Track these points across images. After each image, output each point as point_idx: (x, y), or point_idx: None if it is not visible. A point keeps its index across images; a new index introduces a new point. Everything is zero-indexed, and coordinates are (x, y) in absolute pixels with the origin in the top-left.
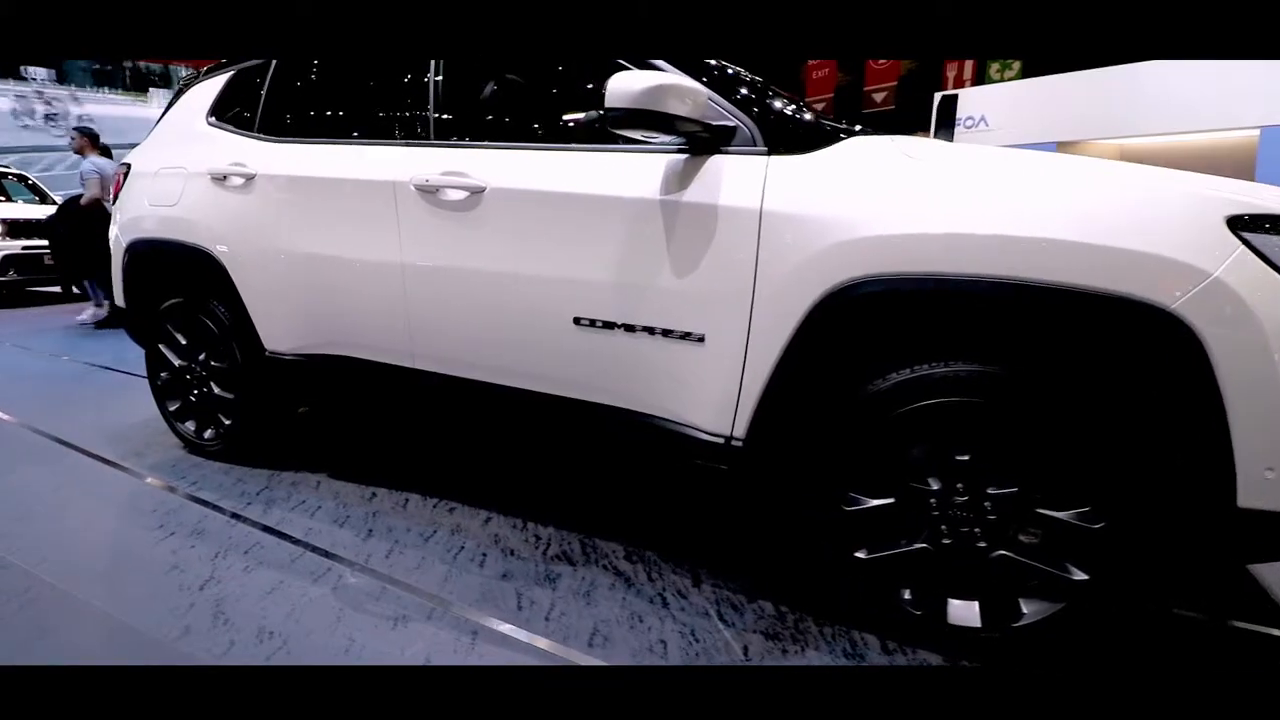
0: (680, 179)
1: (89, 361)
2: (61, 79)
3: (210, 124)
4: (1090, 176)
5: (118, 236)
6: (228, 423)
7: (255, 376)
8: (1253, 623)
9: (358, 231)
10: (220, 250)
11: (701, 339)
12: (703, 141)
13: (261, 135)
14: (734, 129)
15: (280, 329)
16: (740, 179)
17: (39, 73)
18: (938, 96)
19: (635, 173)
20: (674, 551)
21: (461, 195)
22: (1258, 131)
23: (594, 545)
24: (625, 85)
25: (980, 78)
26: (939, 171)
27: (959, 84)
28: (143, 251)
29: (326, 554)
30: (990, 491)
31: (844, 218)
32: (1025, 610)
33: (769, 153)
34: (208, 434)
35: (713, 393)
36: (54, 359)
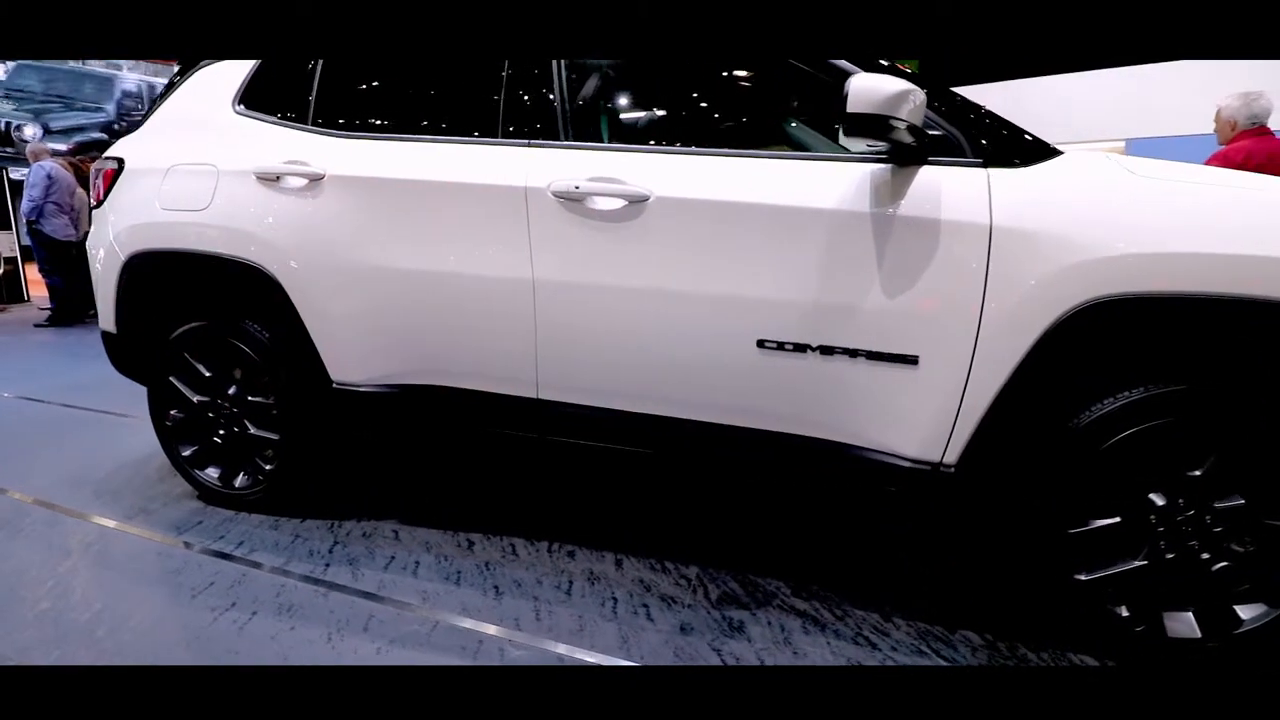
0: (891, 190)
1: (21, 395)
2: None
3: (240, 113)
4: None
5: (109, 247)
6: (269, 468)
7: (313, 412)
8: None
9: (473, 244)
10: (275, 265)
11: (915, 361)
12: (910, 151)
13: (323, 129)
14: (942, 139)
15: (355, 357)
16: (962, 192)
17: None
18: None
19: (832, 183)
20: (837, 584)
21: (617, 204)
22: (1123, 143)
23: (753, 583)
24: (871, 88)
25: None
26: (1171, 189)
27: None
28: (151, 266)
29: (464, 623)
30: (1217, 505)
31: (1086, 235)
32: (1245, 616)
33: (984, 165)
34: (240, 481)
35: (923, 418)
36: None
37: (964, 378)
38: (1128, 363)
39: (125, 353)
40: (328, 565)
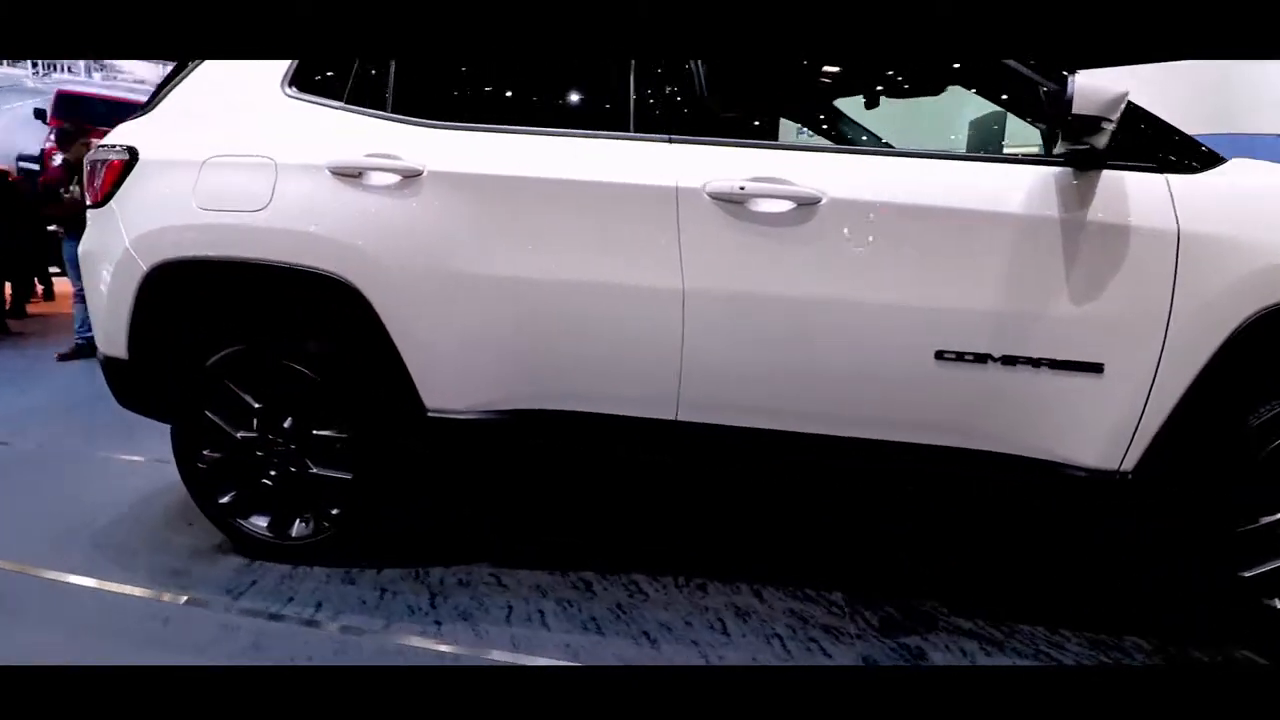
0: (1078, 195)
1: None
2: None
3: (293, 96)
4: None
5: (123, 256)
6: (335, 512)
7: (398, 445)
8: None
9: (610, 249)
10: (359, 275)
11: (1100, 369)
12: (1094, 156)
13: (410, 117)
14: (1121, 144)
15: (457, 380)
16: (1147, 198)
17: None
18: None
19: (1012, 186)
20: (985, 598)
21: (784, 207)
22: None
23: (908, 605)
24: (1098, 89)
25: None
26: None
27: None
28: (184, 278)
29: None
30: None
31: (1269, 240)
32: None
33: (1160, 170)
34: (298, 530)
35: (1104, 427)
36: None
37: (1148, 385)
38: None
39: (138, 383)
40: (439, 624)
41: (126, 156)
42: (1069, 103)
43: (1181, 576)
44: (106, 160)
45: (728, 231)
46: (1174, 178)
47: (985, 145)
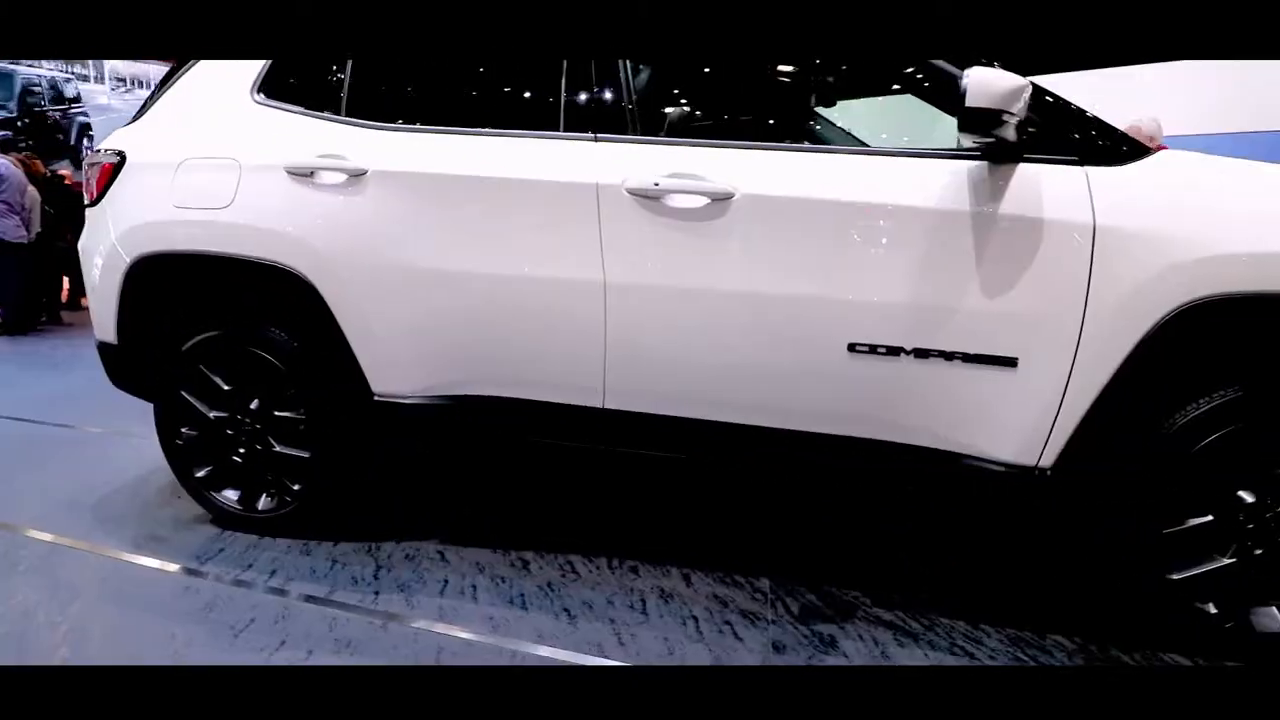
0: (990, 189)
1: None
2: None
3: (261, 102)
4: None
5: (110, 250)
6: (296, 488)
7: (350, 427)
8: None
9: (537, 244)
10: (309, 267)
11: (1013, 363)
12: (1009, 148)
13: (360, 121)
14: (1037, 136)
15: (399, 366)
16: (1063, 191)
17: None
18: None
19: (925, 180)
20: (910, 590)
21: (698, 202)
22: None
23: (830, 594)
24: (990, 82)
25: None
26: (1271, 185)
27: None
28: (161, 270)
29: (541, 650)
30: None
31: (1190, 234)
32: None
33: (1080, 163)
34: (263, 503)
35: (1020, 420)
36: None
37: (1064, 380)
38: (1225, 362)
39: (126, 366)
40: (377, 594)
41: (116, 159)
42: (962, 96)
43: (1110, 576)
44: (99, 163)
45: (645, 227)
46: (1094, 170)
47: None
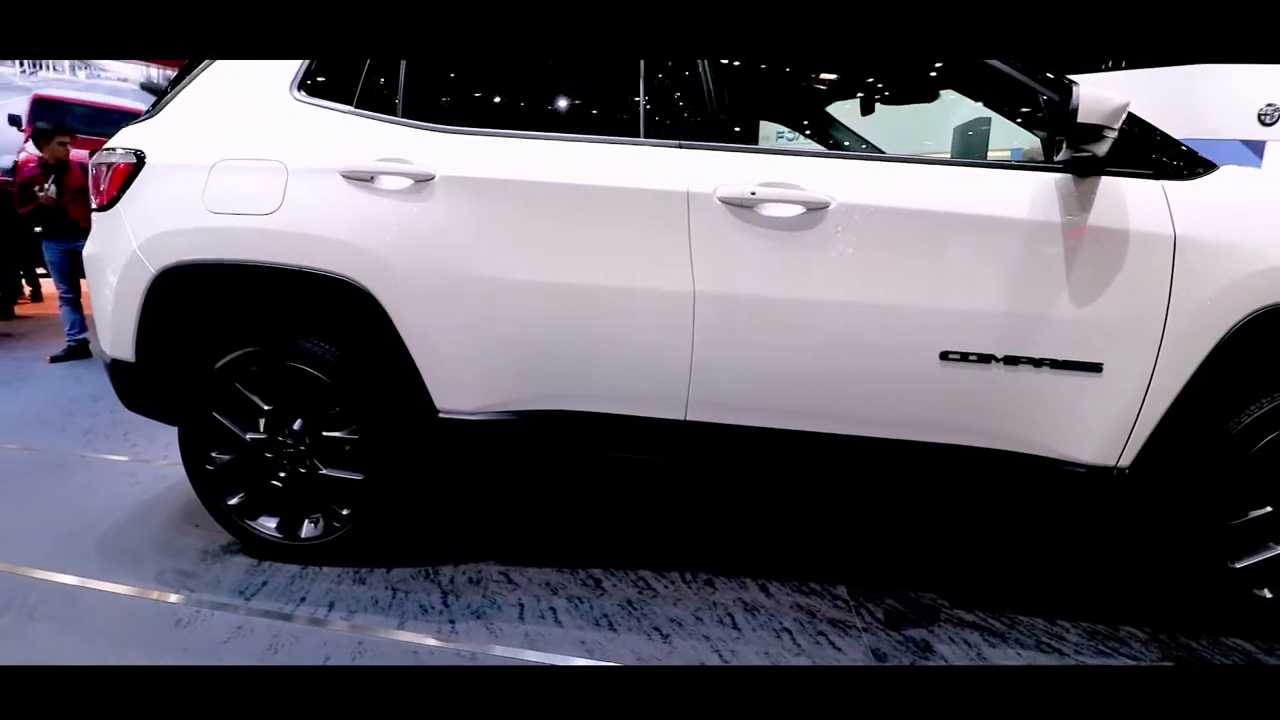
0: (1078, 201)
1: None
2: None
3: (302, 100)
4: None
5: (130, 259)
6: (345, 512)
7: (409, 446)
8: None
9: (622, 253)
10: (370, 278)
11: (1099, 369)
12: (1093, 162)
13: (420, 122)
14: (1118, 151)
15: (468, 381)
16: (1145, 203)
17: None
18: None
19: (1015, 191)
20: (980, 590)
21: (793, 211)
22: None
23: (909, 598)
24: (1102, 100)
25: None
26: None
27: None
28: (193, 281)
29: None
30: None
31: (1261, 245)
32: None
33: (1156, 176)
34: (307, 530)
35: (1103, 424)
36: None
37: (1145, 384)
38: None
39: (145, 386)
40: (452, 623)
41: (134, 160)
42: (1074, 112)
43: (1175, 568)
44: (113, 163)
45: (737, 236)
46: (1169, 184)
47: (971, 150)
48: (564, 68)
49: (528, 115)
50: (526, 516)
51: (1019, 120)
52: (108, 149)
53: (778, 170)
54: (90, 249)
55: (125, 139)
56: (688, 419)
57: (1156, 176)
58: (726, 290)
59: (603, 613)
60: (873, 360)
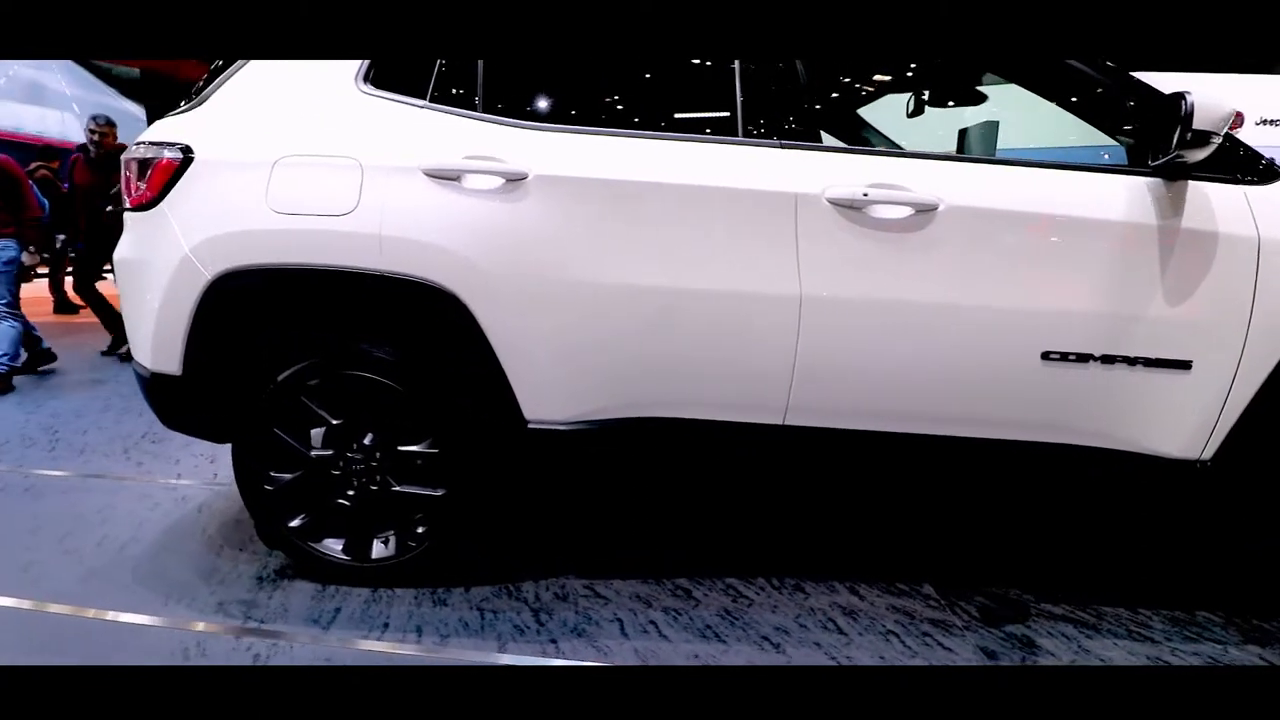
0: (1170, 204)
1: None
2: None
3: (370, 93)
4: None
5: (182, 263)
6: (420, 530)
7: (495, 458)
8: None
9: (725, 255)
10: (459, 282)
11: (1188, 366)
12: (1182, 168)
13: (507, 119)
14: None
15: (561, 390)
16: (1230, 207)
17: None
18: None
19: (1111, 195)
20: (1059, 584)
21: (903, 213)
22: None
23: (999, 595)
24: (1215, 107)
25: None
26: None
27: None
28: (255, 286)
29: None
30: None
31: None
32: None
33: (1237, 181)
34: (378, 551)
35: (1189, 418)
36: None
37: (1230, 379)
38: None
39: (191, 401)
40: (554, 642)
41: (180, 156)
42: (1187, 118)
43: (1250, 555)
44: (155, 159)
45: (845, 237)
46: (1249, 189)
47: (979, 152)
48: (656, 65)
49: (619, 114)
50: (590, 524)
51: (1097, 121)
52: (144, 143)
53: (884, 171)
54: (124, 253)
55: (164, 133)
56: (785, 423)
57: (1237, 181)
58: (833, 292)
59: (705, 624)
60: (976, 360)
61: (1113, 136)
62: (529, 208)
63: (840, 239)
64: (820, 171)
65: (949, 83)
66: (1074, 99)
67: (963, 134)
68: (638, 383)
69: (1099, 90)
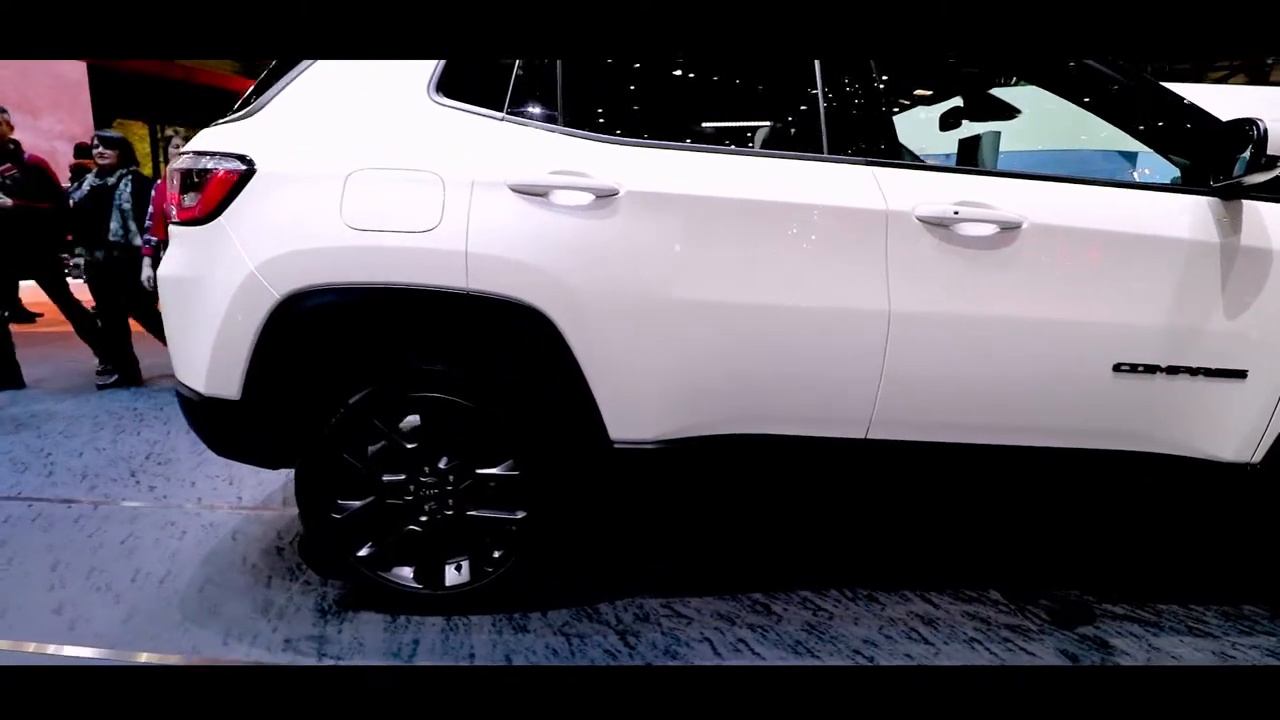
0: (1230, 223)
1: None
2: None
3: (443, 104)
4: None
5: (247, 281)
6: (497, 555)
7: (578, 479)
8: None
9: (816, 272)
10: (548, 300)
11: (1244, 375)
12: (1239, 188)
13: (593, 134)
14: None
15: (647, 408)
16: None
17: None
18: None
19: (1177, 214)
20: (1117, 585)
21: (989, 231)
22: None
23: (1059, 597)
24: None
25: None
26: None
27: None
28: (330, 306)
29: None
30: None
31: None
32: None
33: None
34: (452, 577)
35: (1242, 424)
36: None
37: None
38: None
39: (249, 426)
40: (649, 665)
41: (242, 167)
42: (1262, 143)
43: None
44: (211, 170)
45: (933, 254)
46: None
47: (977, 163)
48: (741, 82)
49: (703, 130)
50: (648, 539)
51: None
52: (197, 152)
53: (969, 190)
54: (172, 270)
55: (219, 142)
56: (869, 437)
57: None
58: (921, 308)
59: (794, 639)
60: (1053, 373)
61: (1166, 156)
62: (619, 224)
63: (929, 256)
64: (908, 189)
65: (983, 96)
66: (1138, 124)
67: (964, 144)
68: (724, 400)
69: (1157, 114)
